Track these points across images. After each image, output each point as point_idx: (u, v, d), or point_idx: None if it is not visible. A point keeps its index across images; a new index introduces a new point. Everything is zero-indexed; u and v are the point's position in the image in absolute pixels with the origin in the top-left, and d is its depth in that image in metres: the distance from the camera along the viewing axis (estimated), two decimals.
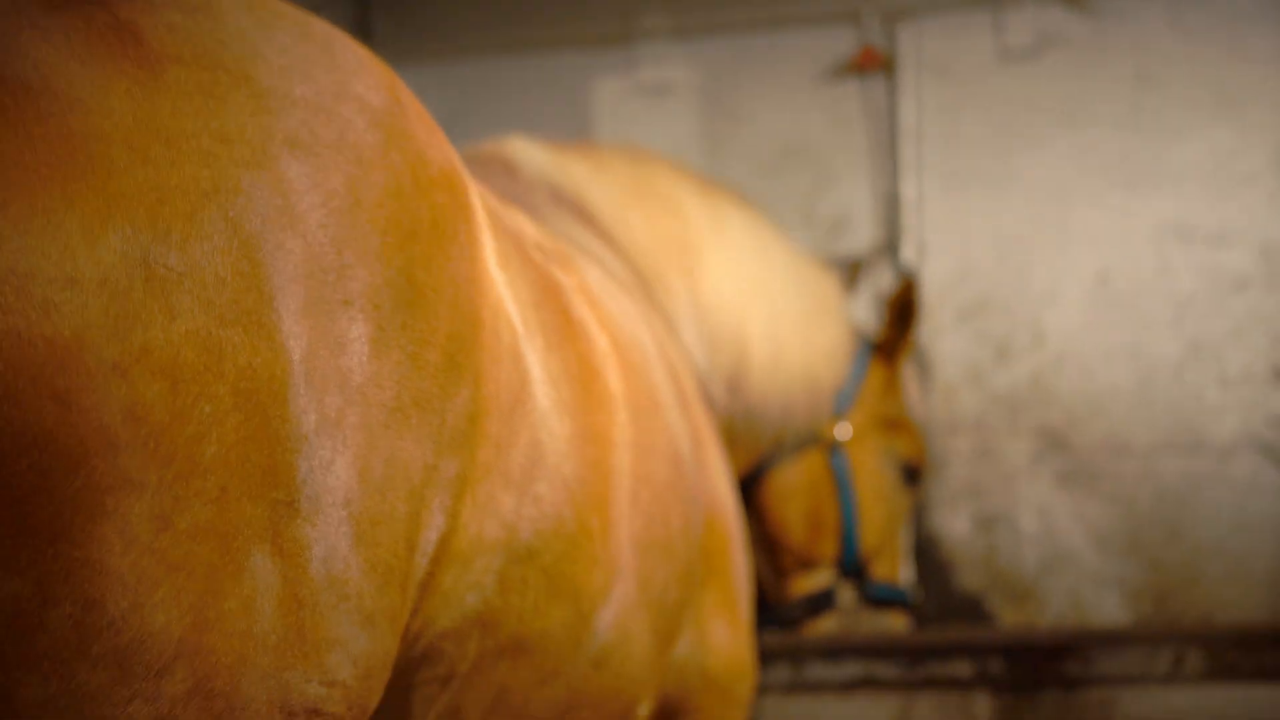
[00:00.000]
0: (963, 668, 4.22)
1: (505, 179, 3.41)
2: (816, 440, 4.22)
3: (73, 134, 1.39)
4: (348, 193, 1.63)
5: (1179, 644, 4.07)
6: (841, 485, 4.26)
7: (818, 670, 4.30)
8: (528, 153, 3.50)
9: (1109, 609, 5.05)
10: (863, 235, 5.47)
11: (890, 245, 5.42)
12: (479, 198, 2.09)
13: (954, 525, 5.22)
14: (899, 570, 4.57)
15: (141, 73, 1.47)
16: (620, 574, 2.34)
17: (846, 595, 4.43)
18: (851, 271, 5.34)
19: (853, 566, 4.38)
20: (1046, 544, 5.13)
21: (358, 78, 1.74)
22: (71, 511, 1.33)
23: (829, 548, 4.32)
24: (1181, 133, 5.22)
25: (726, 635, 3.18)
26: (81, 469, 1.34)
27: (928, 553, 5.20)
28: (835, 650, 4.29)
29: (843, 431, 4.25)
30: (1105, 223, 5.25)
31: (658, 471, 2.54)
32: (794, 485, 4.23)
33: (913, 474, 4.52)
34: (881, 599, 4.46)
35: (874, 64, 5.45)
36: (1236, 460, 5.02)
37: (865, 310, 5.38)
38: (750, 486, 4.22)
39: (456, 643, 2.01)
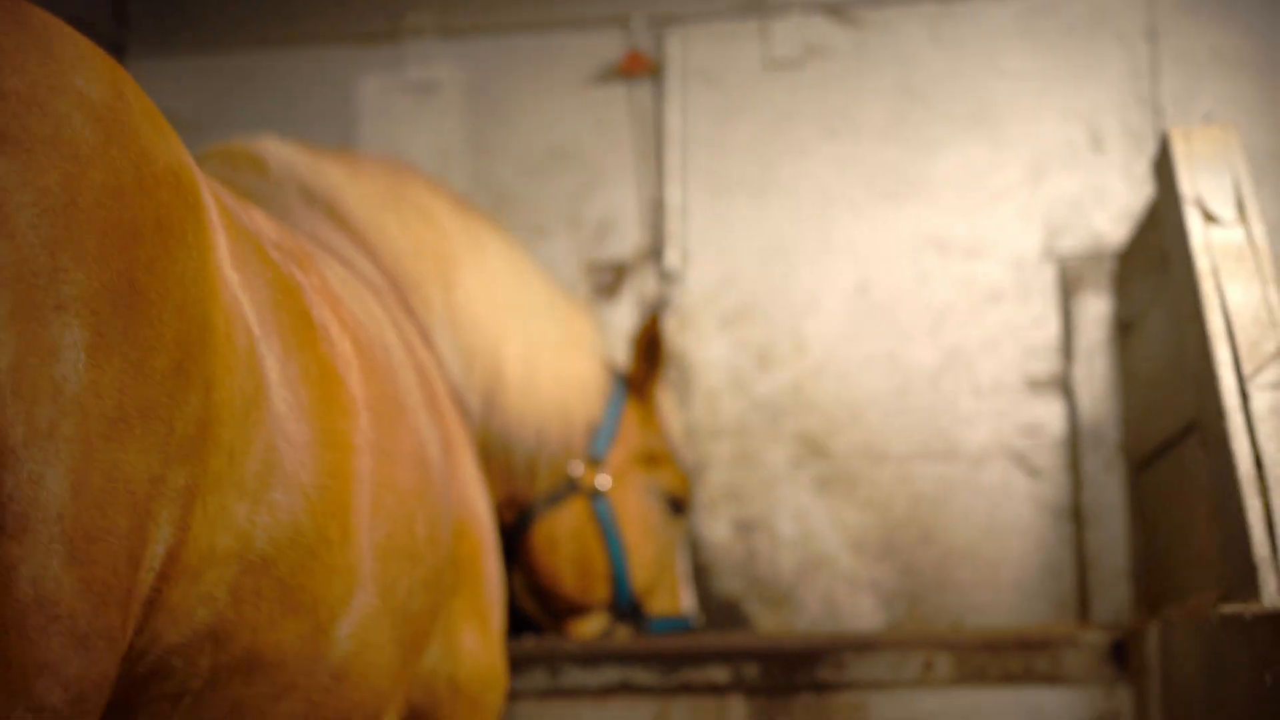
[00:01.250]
0: (718, 673, 4.25)
1: (253, 177, 3.33)
2: (577, 489, 4.20)
3: None
4: (62, 191, 1.55)
5: (928, 649, 4.14)
6: (607, 531, 4.25)
7: (575, 676, 4.28)
8: (279, 152, 3.41)
9: (864, 612, 5.13)
10: (628, 240, 5.47)
11: (655, 250, 5.43)
12: (213, 196, 2.02)
13: (714, 529, 5.25)
14: (679, 600, 4.58)
15: None
16: (361, 582, 2.29)
17: (624, 634, 4.44)
18: (615, 276, 5.35)
19: (627, 607, 4.39)
20: (804, 548, 5.19)
21: (76, 70, 1.66)
22: None
23: (601, 592, 4.33)
24: (940, 146, 5.33)
25: (476, 643, 3.14)
26: None
27: (689, 557, 5.22)
28: (592, 656, 4.27)
29: (603, 481, 4.24)
30: (866, 232, 5.32)
31: (402, 477, 2.49)
32: (560, 534, 4.22)
33: (678, 505, 4.54)
34: (663, 632, 4.48)
35: (641, 69, 5.45)
36: (988, 467, 5.14)
37: (628, 316, 5.38)
38: (516, 535, 4.20)
39: (187, 658, 1.94)
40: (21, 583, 1.47)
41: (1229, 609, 2.72)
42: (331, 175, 3.50)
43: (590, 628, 4.40)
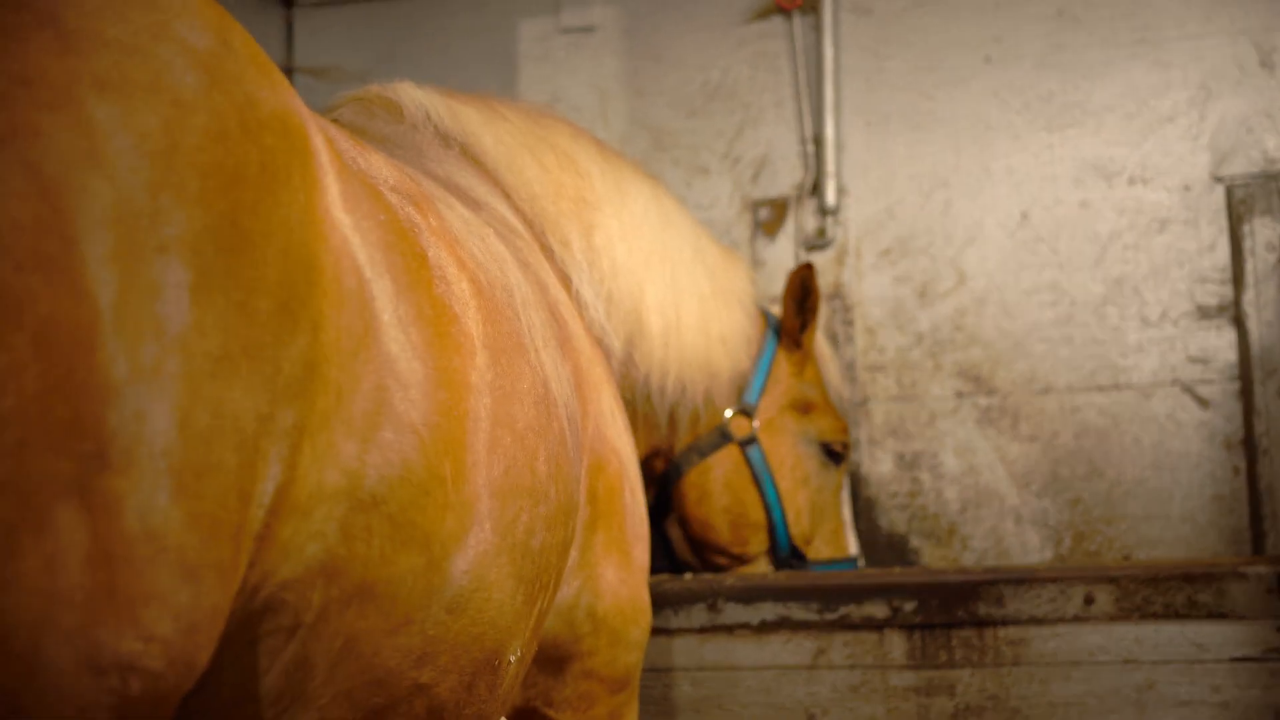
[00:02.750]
0: (876, 608, 4.23)
1: (387, 122, 3.38)
2: (728, 439, 4.22)
3: None
4: (163, 135, 1.59)
5: (1088, 583, 4.08)
6: (760, 479, 4.27)
7: (734, 612, 4.30)
8: (414, 96, 3.45)
9: (1031, 547, 5.07)
10: (786, 176, 5.45)
11: (813, 186, 5.39)
12: (325, 141, 2.06)
13: (877, 465, 5.22)
14: (844, 545, 4.57)
15: None
16: (477, 519, 2.31)
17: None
18: (775, 213, 5.33)
19: (787, 555, 4.40)
20: (968, 483, 5.14)
21: (180, 19, 1.70)
22: None
23: (758, 541, 4.35)
24: (1102, 70, 5.21)
25: (617, 577, 3.16)
26: None
27: (853, 493, 5.21)
28: (750, 592, 4.29)
29: (755, 429, 4.24)
30: (1026, 161, 5.23)
31: (521, 415, 2.51)
32: (712, 485, 4.25)
33: (836, 452, 4.51)
34: (824, 570, 4.49)
35: (795, 3, 5.40)
36: (1156, 398, 5.03)
37: (788, 252, 5.36)
38: (666, 486, 4.22)
39: (299, 593, 1.98)
40: (128, 515, 1.51)
41: None
42: (468, 118, 3.53)
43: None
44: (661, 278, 3.85)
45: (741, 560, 4.38)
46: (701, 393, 4.05)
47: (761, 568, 4.44)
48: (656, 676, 4.26)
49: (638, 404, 3.91)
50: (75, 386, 1.45)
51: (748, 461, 4.25)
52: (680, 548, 4.42)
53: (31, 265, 1.42)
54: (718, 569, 4.42)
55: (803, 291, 4.43)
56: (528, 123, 3.71)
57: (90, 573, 1.47)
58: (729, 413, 4.19)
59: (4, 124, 1.43)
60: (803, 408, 4.41)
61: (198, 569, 1.61)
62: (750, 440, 4.24)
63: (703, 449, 4.22)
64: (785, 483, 4.35)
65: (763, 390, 4.27)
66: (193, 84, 1.67)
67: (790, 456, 4.37)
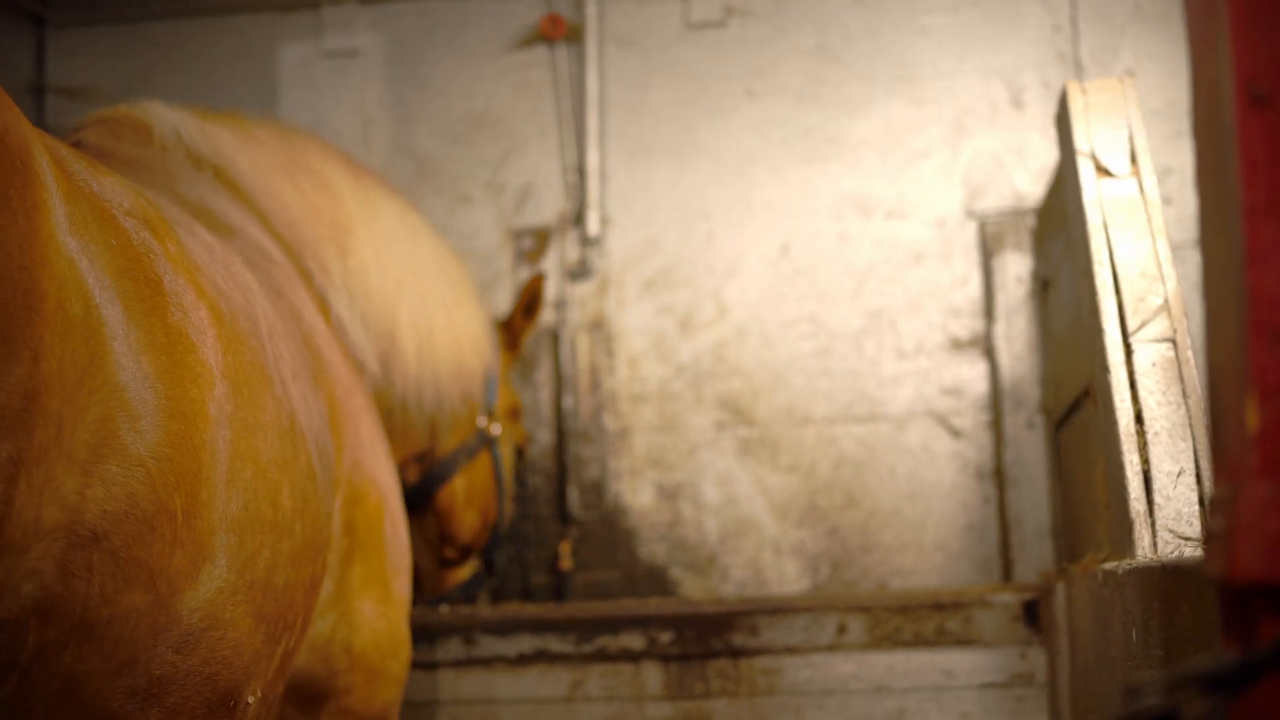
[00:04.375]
0: (633, 640, 4.22)
1: (135, 143, 3.26)
2: (485, 441, 4.27)
3: None
4: None
5: (842, 612, 4.12)
6: (499, 478, 4.37)
7: (490, 644, 4.25)
8: (165, 117, 3.33)
9: (790, 577, 5.11)
10: (550, 205, 5.42)
11: (576, 215, 5.38)
12: (51, 163, 1.97)
13: (638, 495, 5.22)
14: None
15: None
16: (211, 555, 2.23)
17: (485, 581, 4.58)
18: (538, 242, 5.31)
19: (494, 550, 4.50)
20: (728, 513, 5.16)
21: None
22: None
23: (486, 538, 4.44)
24: (861, 105, 5.29)
25: (375, 611, 3.09)
26: None
27: (613, 522, 5.20)
28: (506, 624, 4.24)
29: (495, 429, 4.34)
30: (787, 194, 5.29)
31: (264, 448, 2.43)
32: (475, 486, 4.31)
33: (521, 454, 4.75)
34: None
35: (560, 32, 5.39)
36: (911, 429, 5.11)
37: (552, 286, 5.34)
38: (422, 493, 4.18)
39: (11, 633, 1.89)
40: None
41: (1109, 565, 2.70)
42: (222, 141, 3.43)
43: (465, 573, 4.49)
44: (412, 296, 3.81)
45: (468, 555, 4.44)
46: (459, 395, 4.04)
47: (474, 565, 4.50)
48: (414, 711, 4.19)
49: (394, 416, 3.86)
50: None
51: (493, 461, 4.32)
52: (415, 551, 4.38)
53: None
54: (446, 567, 4.41)
55: (531, 300, 4.73)
56: (281, 143, 3.63)
57: None
58: (484, 418, 4.24)
59: None
60: (513, 411, 4.62)
61: None
62: (493, 440, 4.30)
63: (470, 450, 4.22)
64: (508, 481, 4.52)
65: (496, 391, 4.34)
66: None
67: (509, 457, 4.56)
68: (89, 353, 1.94)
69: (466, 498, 4.28)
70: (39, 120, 5.51)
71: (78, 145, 3.22)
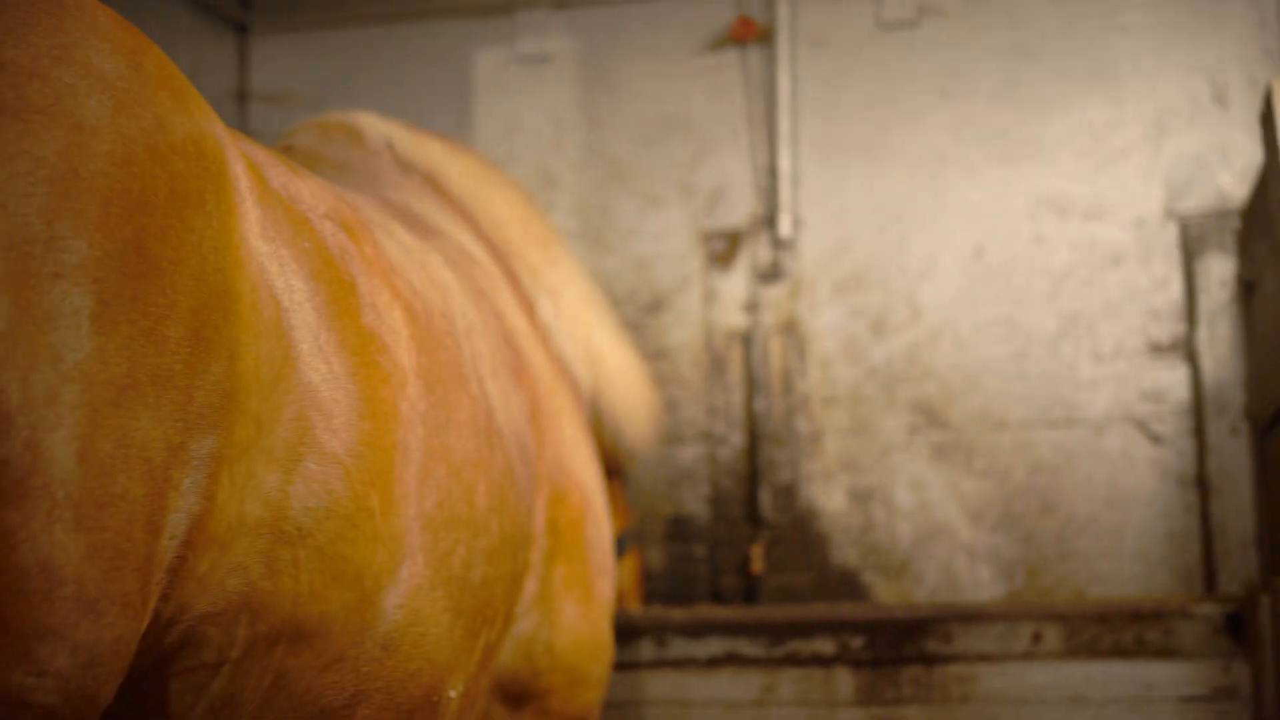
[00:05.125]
0: (825, 644, 4.20)
1: (346, 147, 3.36)
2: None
3: None
4: (60, 160, 1.55)
5: (1037, 620, 4.06)
6: None
7: (681, 647, 4.26)
8: (375, 125, 3.46)
9: (984, 582, 5.04)
10: (741, 208, 5.42)
11: (768, 218, 5.37)
12: (247, 167, 2.02)
13: (830, 499, 5.19)
14: None
15: None
16: (409, 552, 2.27)
17: None
18: (729, 244, 5.30)
19: None
20: (921, 518, 5.11)
21: (86, 42, 1.67)
22: None
23: None
24: (1057, 105, 5.20)
25: (577, 613, 3.12)
26: None
27: (805, 526, 5.18)
28: (698, 627, 4.25)
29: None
30: (981, 195, 5.22)
31: (458, 446, 2.46)
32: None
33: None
34: None
35: (751, 34, 5.39)
36: (1110, 434, 5.01)
37: (741, 284, 5.34)
38: None
39: (222, 628, 1.94)
40: (21, 548, 1.47)
41: None
42: (430, 149, 3.54)
43: None
44: (600, 320, 3.86)
45: None
46: (634, 434, 4.04)
47: None
48: (611, 711, 4.21)
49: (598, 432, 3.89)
50: None
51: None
52: None
53: None
54: None
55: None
56: (484, 161, 3.73)
57: None
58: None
59: None
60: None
61: (98, 601, 1.57)
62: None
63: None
64: None
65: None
66: (95, 108, 1.63)
67: None
68: (283, 353, 1.98)
69: None
70: (243, 126, 5.66)
71: (289, 149, 3.33)
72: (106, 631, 1.59)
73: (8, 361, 1.46)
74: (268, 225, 2.03)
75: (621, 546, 4.15)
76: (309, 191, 2.33)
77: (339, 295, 2.18)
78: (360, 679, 2.21)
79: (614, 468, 4.15)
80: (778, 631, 4.21)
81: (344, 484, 2.08)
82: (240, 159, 2.00)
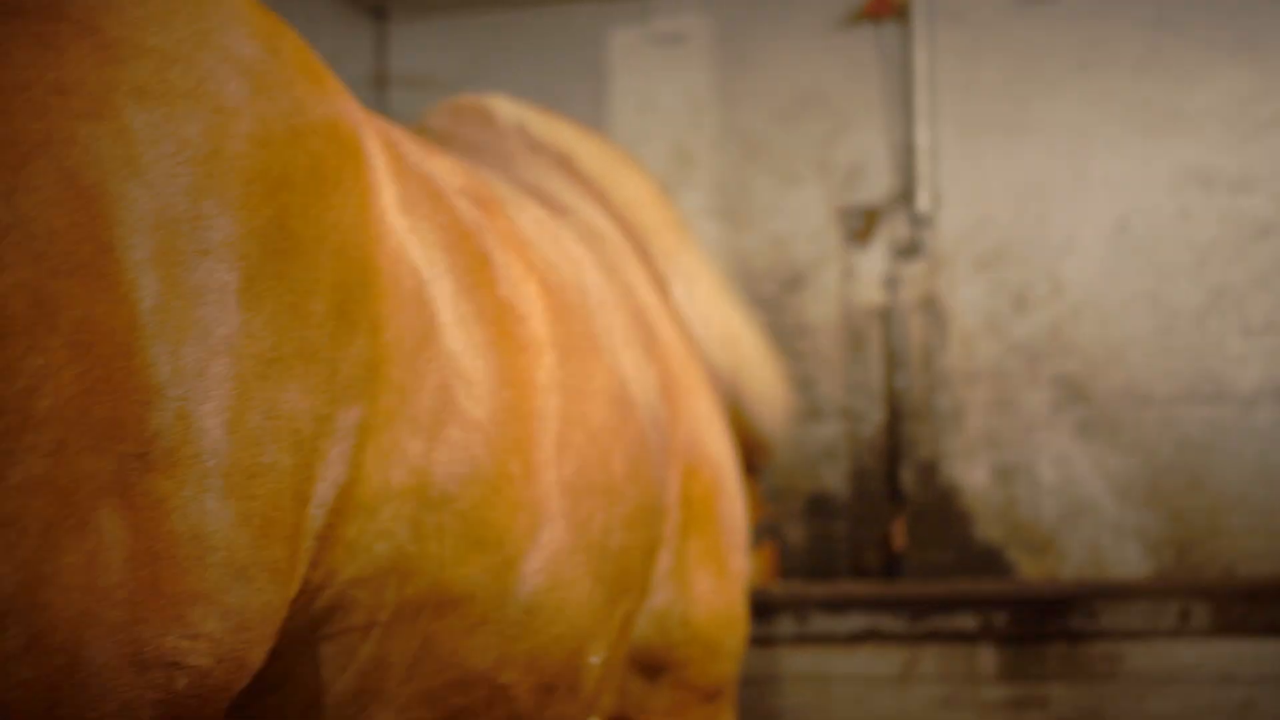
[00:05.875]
0: (967, 620, 4.18)
1: (478, 128, 3.41)
2: None
3: None
4: (204, 141, 1.59)
5: (1185, 598, 4.01)
6: None
7: (822, 623, 4.27)
8: (507, 107, 3.50)
9: (1130, 560, 4.98)
10: (878, 184, 5.40)
11: (905, 194, 5.34)
12: (381, 145, 2.06)
13: (972, 476, 5.16)
14: None
15: None
16: (549, 518, 2.30)
17: None
18: (866, 221, 5.29)
19: None
20: (1066, 494, 5.06)
21: (225, 27, 1.71)
22: None
23: None
24: (1201, 76, 5.11)
25: (711, 586, 3.13)
26: None
27: (946, 503, 5.15)
28: (839, 603, 4.25)
29: None
30: (1124, 168, 5.15)
31: (593, 414, 2.49)
32: None
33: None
34: None
35: (887, 10, 5.36)
36: (1259, 410, 4.93)
37: (879, 261, 5.32)
38: None
39: (371, 591, 1.98)
40: (173, 515, 1.51)
41: None
42: (562, 131, 3.58)
43: None
44: (734, 304, 3.87)
45: None
46: (763, 418, 4.02)
47: None
48: (751, 687, 4.23)
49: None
50: (114, 388, 1.45)
51: None
52: None
53: (67, 270, 1.42)
54: None
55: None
56: (613, 147, 3.76)
57: (133, 570, 1.47)
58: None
59: (40, 132, 1.44)
60: None
61: (248, 568, 1.61)
62: None
63: None
64: None
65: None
66: (236, 91, 1.67)
67: None
68: (424, 324, 2.02)
69: None
70: (382, 109, 5.74)
71: (423, 130, 3.39)
72: (256, 597, 1.63)
73: (158, 336, 1.50)
74: (405, 200, 2.07)
75: (754, 540, 4.14)
76: (443, 168, 2.37)
77: (476, 267, 2.22)
78: (504, 643, 2.25)
79: (749, 462, 4.16)
80: (920, 607, 4.19)
81: (486, 450, 2.12)
82: (375, 137, 2.04)
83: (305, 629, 1.93)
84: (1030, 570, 5.06)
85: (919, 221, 5.30)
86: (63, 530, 1.41)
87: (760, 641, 4.25)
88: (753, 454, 4.11)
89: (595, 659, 2.56)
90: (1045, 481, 5.09)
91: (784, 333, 5.26)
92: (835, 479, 5.29)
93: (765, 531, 4.51)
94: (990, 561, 5.11)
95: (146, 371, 1.48)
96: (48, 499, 1.40)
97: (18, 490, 1.38)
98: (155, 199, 1.52)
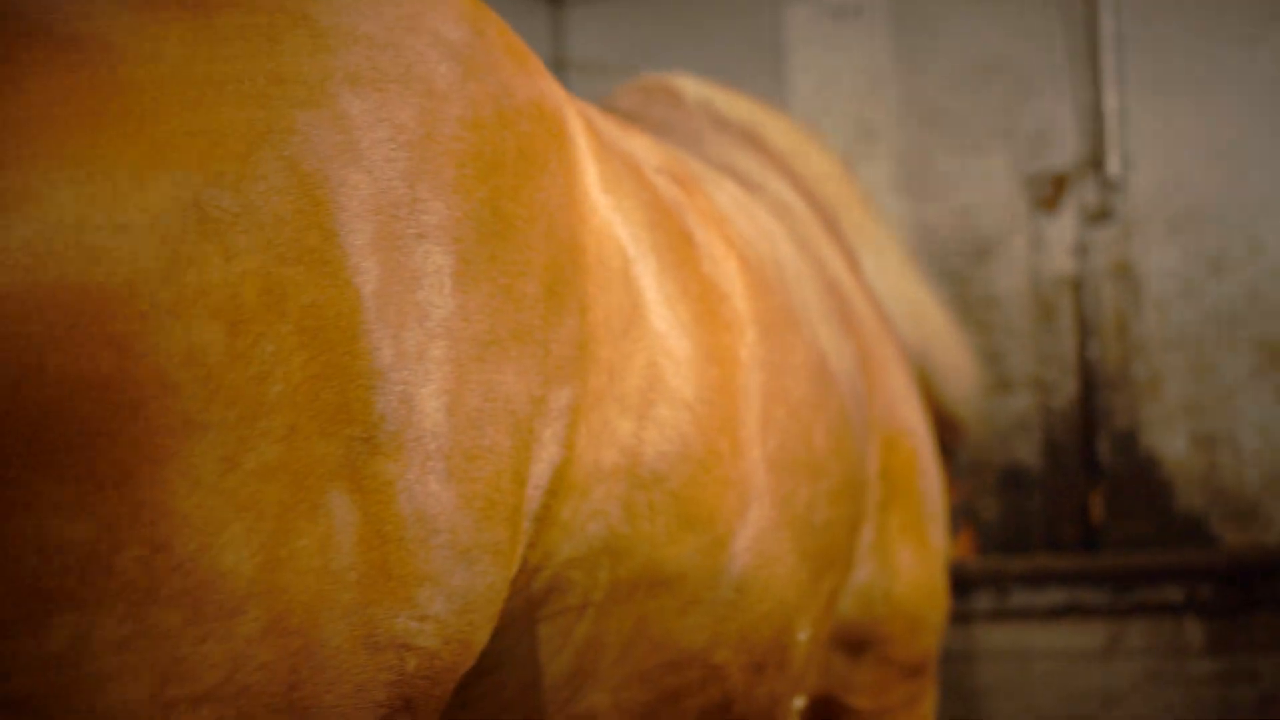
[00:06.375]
0: (1172, 593, 4.09)
1: (666, 107, 3.43)
2: None
3: (122, 82, 1.39)
4: (418, 126, 1.60)
5: None
6: None
7: (1022, 597, 4.21)
8: (693, 85, 3.53)
9: None
10: (1066, 149, 5.30)
11: (1094, 158, 5.23)
12: (583, 126, 2.06)
13: (1172, 445, 5.04)
14: None
15: (194, 18, 1.47)
16: (756, 495, 2.29)
17: None
18: (1054, 188, 5.20)
19: None
20: (1270, 461, 4.93)
21: (433, 12, 1.72)
22: (134, 455, 1.33)
23: None
24: None
25: (913, 560, 3.11)
26: (141, 413, 1.33)
27: (1145, 473, 5.04)
28: (1039, 577, 4.19)
29: None
30: None
31: (795, 389, 2.48)
32: None
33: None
34: None
35: None
36: None
37: (1069, 228, 5.22)
38: None
39: (586, 571, 1.99)
40: (400, 498, 1.53)
41: None
42: (748, 109, 3.59)
43: None
44: (922, 279, 3.83)
45: None
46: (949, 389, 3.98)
47: None
48: (950, 664, 4.19)
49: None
50: (340, 373, 1.47)
51: None
52: None
53: (294, 257, 1.44)
54: None
55: None
56: (797, 124, 3.76)
57: (364, 553, 1.48)
58: None
59: (263, 122, 1.46)
60: None
61: (471, 550, 1.62)
62: None
63: None
64: None
65: None
66: (446, 75, 1.68)
67: None
68: (631, 303, 2.02)
69: None
70: None
71: (611, 110, 3.41)
72: (480, 579, 1.64)
73: (380, 320, 1.51)
74: (607, 180, 2.07)
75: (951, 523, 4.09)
76: (641, 147, 2.37)
77: (678, 245, 2.22)
78: (716, 622, 2.25)
79: (940, 440, 4.12)
80: (1123, 580, 4.12)
81: (695, 429, 2.12)
82: (577, 118, 2.04)
83: (523, 610, 1.94)
84: (1234, 540, 4.94)
85: (1109, 186, 5.19)
86: (297, 514, 1.43)
87: (958, 617, 4.20)
88: (944, 432, 4.06)
89: (803, 635, 2.55)
90: (1247, 448, 4.96)
91: (972, 305, 5.19)
92: (1028, 452, 5.21)
93: (962, 513, 4.46)
94: (1192, 532, 4.99)
95: (371, 356, 1.50)
96: (282, 483, 1.42)
97: (254, 475, 1.40)
98: (373, 184, 1.53)
